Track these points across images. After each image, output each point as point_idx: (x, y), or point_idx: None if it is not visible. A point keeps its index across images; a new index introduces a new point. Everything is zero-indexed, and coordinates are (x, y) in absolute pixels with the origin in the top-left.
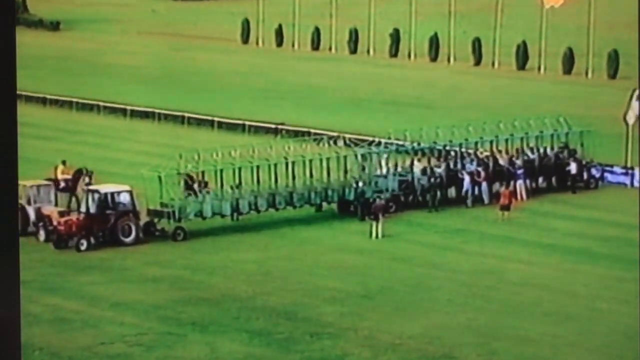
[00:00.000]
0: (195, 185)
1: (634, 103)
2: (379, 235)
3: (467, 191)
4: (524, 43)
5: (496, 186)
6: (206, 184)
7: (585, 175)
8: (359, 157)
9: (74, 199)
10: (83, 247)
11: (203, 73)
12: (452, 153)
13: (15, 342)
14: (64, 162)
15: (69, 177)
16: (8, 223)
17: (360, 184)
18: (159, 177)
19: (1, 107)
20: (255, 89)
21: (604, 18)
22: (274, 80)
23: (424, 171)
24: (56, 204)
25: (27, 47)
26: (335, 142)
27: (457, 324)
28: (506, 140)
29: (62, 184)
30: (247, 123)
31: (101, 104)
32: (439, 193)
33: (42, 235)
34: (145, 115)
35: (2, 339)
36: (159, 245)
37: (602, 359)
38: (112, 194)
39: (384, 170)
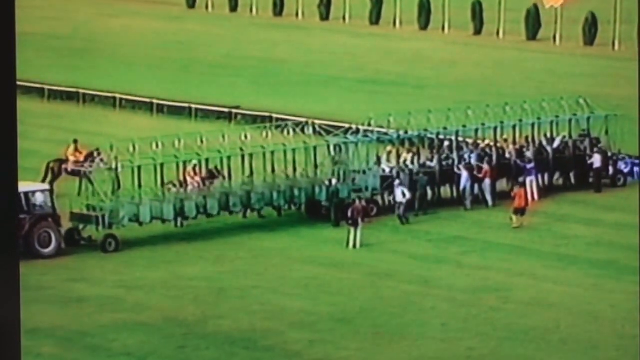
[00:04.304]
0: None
1: None
2: (358, 244)
3: (465, 190)
4: (536, 7)
5: (502, 184)
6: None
7: (611, 170)
8: (332, 148)
9: (85, 184)
10: None
11: (139, 44)
12: (447, 143)
13: (15, 346)
14: (75, 142)
15: (81, 159)
16: (6, 226)
17: (334, 181)
18: (86, 173)
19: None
20: (204, 64)
21: None
22: (226, 54)
23: (412, 165)
24: None
25: None
26: (302, 130)
27: (454, 354)
28: (514, 127)
29: (72, 167)
30: (194, 106)
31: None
32: (430, 192)
33: None
34: (68, 96)
35: (1, 343)
36: (86, 258)
37: None
38: (26, 194)
39: (363, 165)
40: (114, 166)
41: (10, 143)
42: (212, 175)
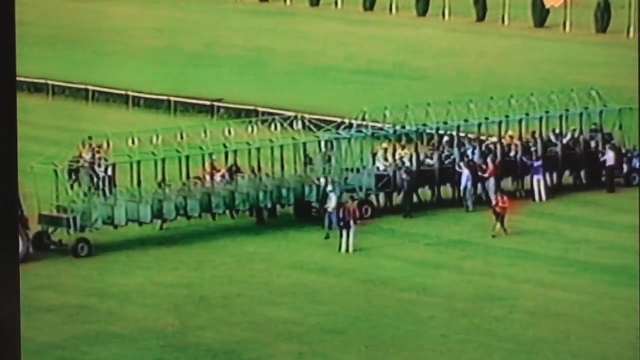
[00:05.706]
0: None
1: None
2: (351, 249)
3: (466, 190)
4: None
5: (507, 183)
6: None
7: (625, 168)
8: (324, 144)
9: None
10: None
11: (114, 32)
12: (448, 139)
13: (15, 343)
14: (90, 138)
15: (88, 157)
16: (7, 224)
17: (324, 180)
18: (55, 172)
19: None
20: (184, 53)
21: None
22: (209, 42)
23: (409, 163)
24: None
25: None
26: (291, 125)
27: None
28: (520, 122)
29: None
30: (173, 99)
31: None
32: (430, 192)
33: None
34: (35, 88)
35: (1, 340)
36: (56, 264)
37: None
38: None
39: (357, 163)
40: (87, 164)
41: (9, 144)
42: (234, 172)
